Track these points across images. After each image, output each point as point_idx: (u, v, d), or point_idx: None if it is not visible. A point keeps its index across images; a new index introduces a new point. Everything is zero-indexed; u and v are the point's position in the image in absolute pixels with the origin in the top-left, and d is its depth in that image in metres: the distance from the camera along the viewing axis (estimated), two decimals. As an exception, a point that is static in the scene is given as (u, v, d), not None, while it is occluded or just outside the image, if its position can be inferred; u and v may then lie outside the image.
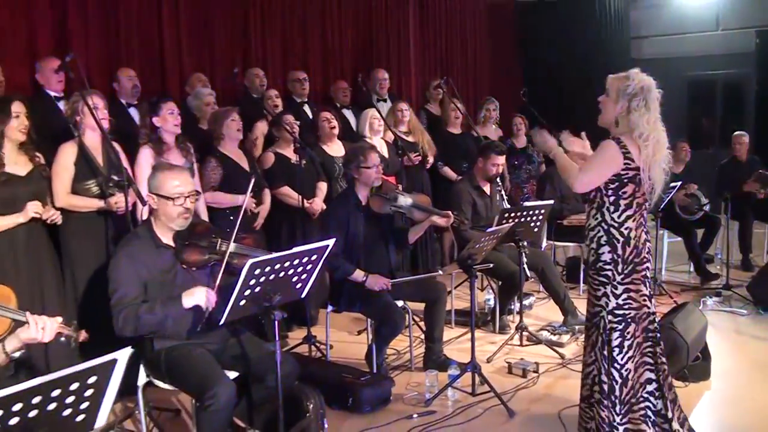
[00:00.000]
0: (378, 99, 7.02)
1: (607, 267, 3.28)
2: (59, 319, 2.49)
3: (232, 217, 4.69)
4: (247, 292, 2.87)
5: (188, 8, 6.43)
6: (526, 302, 5.82)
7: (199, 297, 3.09)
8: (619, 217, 3.25)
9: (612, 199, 3.26)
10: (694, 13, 11.13)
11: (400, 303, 4.47)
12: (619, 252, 3.25)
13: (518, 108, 8.20)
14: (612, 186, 3.25)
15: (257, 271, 2.83)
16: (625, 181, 3.23)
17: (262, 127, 5.86)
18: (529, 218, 4.94)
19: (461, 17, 10.00)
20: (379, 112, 6.17)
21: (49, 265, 3.91)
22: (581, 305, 5.43)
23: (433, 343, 4.62)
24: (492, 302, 5.68)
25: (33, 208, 3.72)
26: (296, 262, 2.99)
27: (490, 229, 4.34)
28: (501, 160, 5.49)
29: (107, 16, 5.85)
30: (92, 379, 2.01)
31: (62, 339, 2.48)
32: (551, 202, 5.35)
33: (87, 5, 5.70)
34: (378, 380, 4.18)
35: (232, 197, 4.77)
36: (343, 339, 5.35)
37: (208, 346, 3.26)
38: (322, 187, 5.48)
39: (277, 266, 2.92)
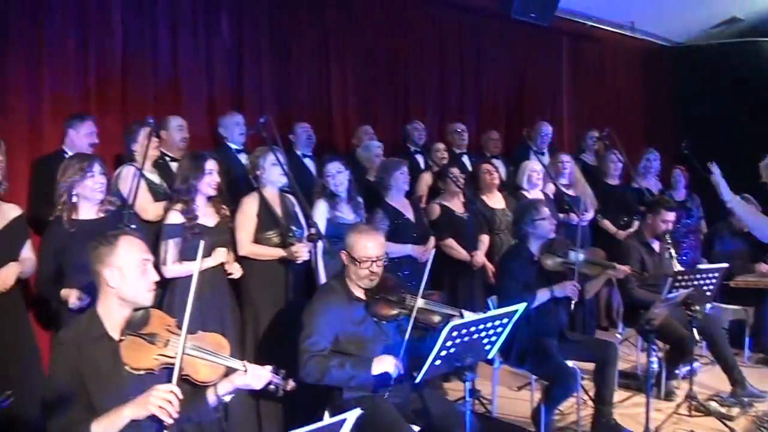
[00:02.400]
0: (537, 151, 7.04)
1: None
2: (269, 367, 2.67)
3: (399, 273, 4.77)
4: (443, 353, 2.95)
5: (354, 64, 6.85)
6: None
7: (387, 366, 3.23)
8: None
9: None
10: None
11: (569, 363, 4.42)
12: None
13: (675, 158, 7.96)
14: None
15: (455, 333, 2.92)
16: None
17: (427, 179, 6.01)
18: (702, 282, 4.75)
19: (614, 64, 9.90)
20: (543, 165, 6.20)
21: (230, 308, 4.13)
22: (746, 374, 5.22)
23: (603, 405, 4.49)
24: (656, 366, 5.48)
25: (222, 253, 3.99)
26: (489, 324, 3.06)
27: (669, 296, 4.24)
28: (671, 216, 5.33)
29: (279, 73, 6.32)
30: (322, 438, 2.14)
31: (271, 387, 2.65)
32: (725, 265, 5.12)
33: (261, 63, 6.22)
34: (548, 442, 4.15)
35: (401, 247, 4.88)
36: (504, 394, 5.28)
37: (393, 399, 3.33)
38: (485, 240, 5.55)
39: (473, 328, 2.99)
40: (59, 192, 3.69)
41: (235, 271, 4.08)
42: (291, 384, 2.71)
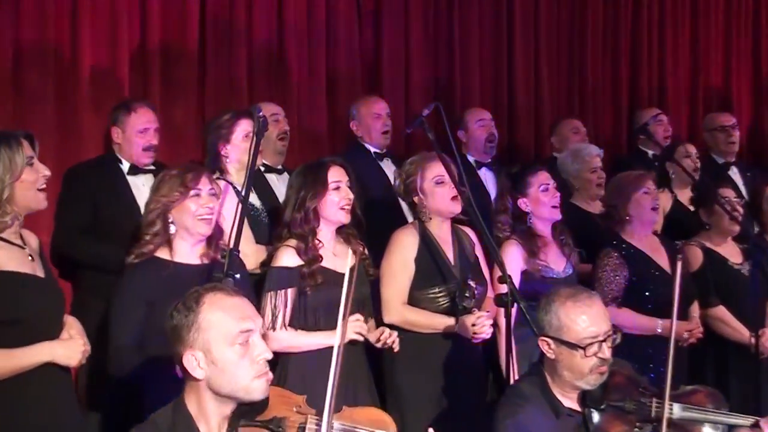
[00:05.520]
0: None
1: None
2: None
3: (650, 350, 4.64)
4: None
5: (549, 29, 6.79)
6: None
7: None
8: None
9: None
10: None
11: None
12: None
13: None
14: None
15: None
16: None
17: (665, 202, 5.78)
18: None
19: None
20: None
21: (366, 391, 4.12)
22: None
23: None
24: None
25: (354, 327, 3.86)
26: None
27: None
28: None
29: (435, 42, 6.45)
30: None
31: None
32: None
33: (409, 26, 6.34)
34: None
35: (647, 321, 4.71)
36: None
37: None
38: (777, 311, 5.20)
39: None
40: (149, 217, 3.79)
41: (392, 341, 4.03)
42: None
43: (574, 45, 6.90)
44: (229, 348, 2.53)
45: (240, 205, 3.77)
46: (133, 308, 3.66)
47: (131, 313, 3.65)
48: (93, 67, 5.20)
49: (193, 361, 2.51)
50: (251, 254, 4.28)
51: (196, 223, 3.74)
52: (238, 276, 3.47)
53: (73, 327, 3.45)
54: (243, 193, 3.87)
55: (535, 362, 3.50)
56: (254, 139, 3.92)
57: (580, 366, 3.23)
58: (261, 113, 3.94)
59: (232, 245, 3.65)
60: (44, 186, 3.41)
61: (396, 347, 4.03)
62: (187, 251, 3.79)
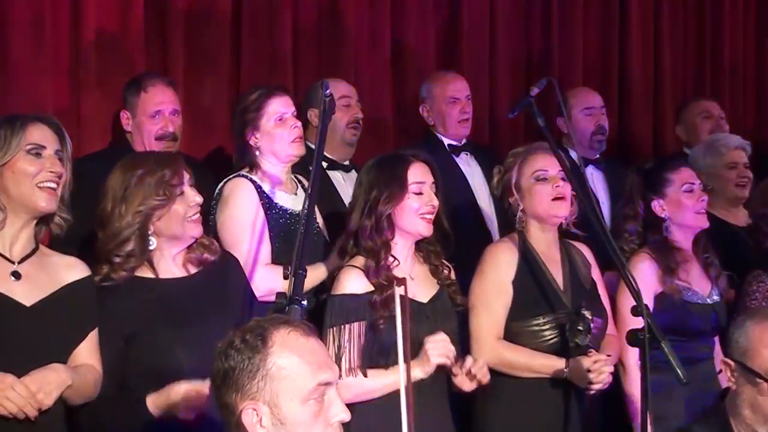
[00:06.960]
0: None
1: None
2: None
3: None
4: None
5: None
6: None
7: None
8: None
9: None
10: None
11: None
12: None
13: None
14: None
15: None
16: None
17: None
18: None
19: None
20: None
21: None
22: None
23: None
24: None
25: (437, 350, 3.80)
26: None
27: None
28: None
29: (527, 7, 6.37)
30: None
31: None
32: None
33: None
34: None
35: None
36: None
37: None
38: None
39: None
40: (123, 234, 3.61)
41: (482, 374, 3.89)
42: None
43: (705, 10, 6.82)
44: (301, 405, 2.49)
45: (306, 210, 3.70)
46: (106, 346, 3.56)
47: (104, 353, 3.55)
48: (99, 32, 5.16)
49: (254, 417, 2.46)
50: (258, 278, 4.22)
51: (187, 227, 3.66)
52: (305, 303, 3.31)
53: (37, 373, 3.34)
54: (309, 193, 3.75)
55: (715, 401, 3.51)
56: (320, 124, 3.89)
57: (763, 406, 3.24)
58: (329, 91, 3.87)
59: (295, 263, 3.45)
60: (50, 184, 3.43)
61: (486, 379, 3.87)
62: (170, 263, 3.72)
